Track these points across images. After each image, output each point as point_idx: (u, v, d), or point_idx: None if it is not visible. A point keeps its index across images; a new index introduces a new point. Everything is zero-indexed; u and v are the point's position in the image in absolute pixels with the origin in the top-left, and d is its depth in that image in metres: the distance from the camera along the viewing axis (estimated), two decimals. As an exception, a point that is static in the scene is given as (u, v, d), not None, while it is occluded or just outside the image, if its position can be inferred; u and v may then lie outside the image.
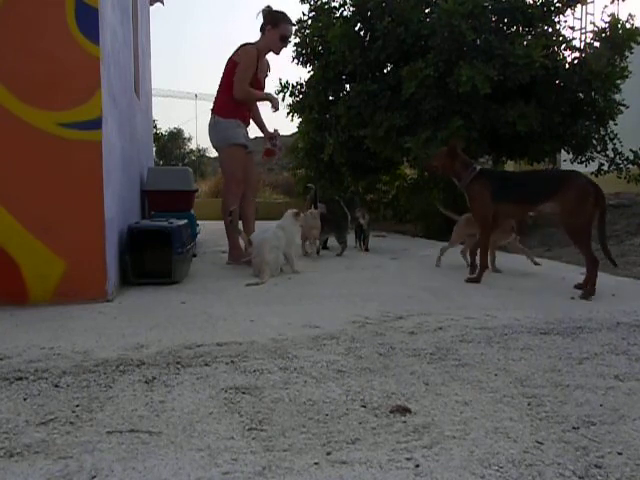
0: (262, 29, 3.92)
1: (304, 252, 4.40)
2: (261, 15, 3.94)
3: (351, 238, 4.79)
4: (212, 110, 3.97)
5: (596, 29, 5.95)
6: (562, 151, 6.55)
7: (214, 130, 3.95)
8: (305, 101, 7.31)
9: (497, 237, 3.46)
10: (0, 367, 1.61)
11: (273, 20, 3.86)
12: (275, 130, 4.14)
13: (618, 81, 5.86)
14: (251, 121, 4.17)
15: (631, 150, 6.37)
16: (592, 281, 2.76)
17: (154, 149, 12.85)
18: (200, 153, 27.09)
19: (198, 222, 5.18)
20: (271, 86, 20.81)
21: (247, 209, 4.11)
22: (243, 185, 3.97)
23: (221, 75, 3.95)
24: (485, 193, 3.10)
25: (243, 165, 3.94)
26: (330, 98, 7.18)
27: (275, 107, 3.92)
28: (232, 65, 3.84)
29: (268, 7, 3.93)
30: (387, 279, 3.33)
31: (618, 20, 5.86)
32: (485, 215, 3.15)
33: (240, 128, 3.92)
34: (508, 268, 3.73)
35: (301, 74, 28.79)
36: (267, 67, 4.08)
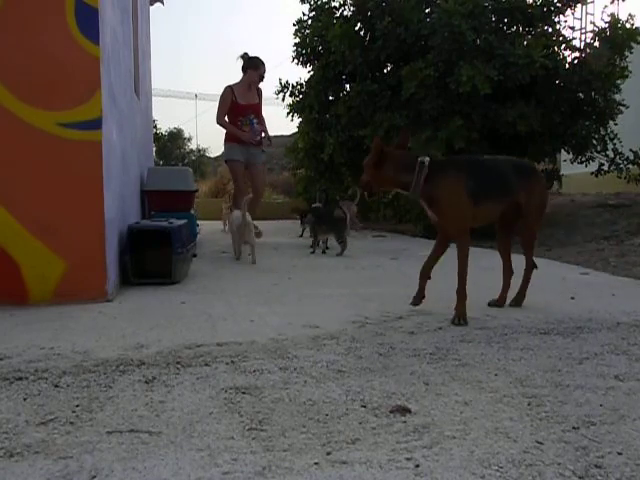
0: (244, 69, 5.34)
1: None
2: (241, 59, 5.40)
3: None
4: None
5: (596, 29, 5.96)
6: (562, 151, 6.55)
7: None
8: (305, 101, 7.32)
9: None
10: (0, 367, 1.61)
11: (253, 64, 5.35)
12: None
13: (618, 81, 5.87)
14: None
15: (631, 150, 6.37)
16: (524, 286, 2.51)
17: (154, 149, 12.86)
18: (200, 153, 27.09)
19: (198, 222, 5.26)
20: (271, 86, 20.97)
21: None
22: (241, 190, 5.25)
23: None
24: (460, 194, 2.21)
25: (240, 173, 5.37)
26: (330, 98, 7.19)
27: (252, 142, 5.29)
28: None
29: (246, 54, 5.38)
30: (387, 279, 3.33)
31: (618, 20, 5.87)
32: (464, 224, 2.27)
33: (234, 149, 5.29)
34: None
35: (301, 74, 28.78)
36: (257, 95, 5.48)
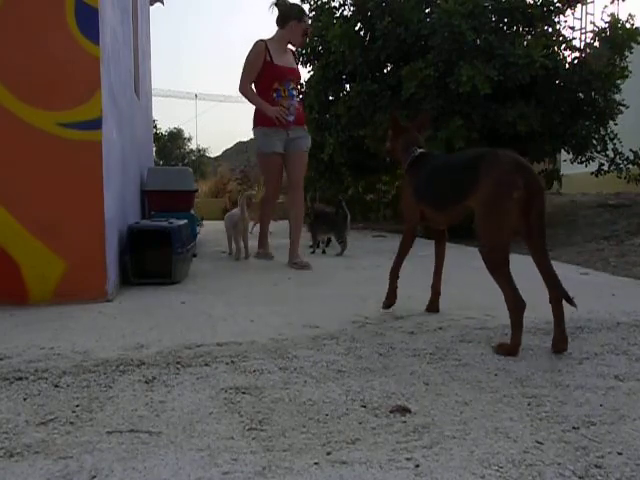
0: (283, 22, 3.88)
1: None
2: (276, 9, 3.94)
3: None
4: None
5: (596, 29, 5.96)
6: (562, 151, 6.56)
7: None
8: (305, 101, 7.31)
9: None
10: (0, 367, 1.61)
11: (298, 15, 3.87)
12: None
13: (618, 81, 5.87)
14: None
15: (631, 150, 6.37)
16: (515, 333, 1.77)
17: (154, 149, 12.86)
18: (200, 153, 27.13)
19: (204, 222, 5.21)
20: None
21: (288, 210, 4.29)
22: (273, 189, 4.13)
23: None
24: (408, 189, 2.29)
25: (276, 170, 3.98)
26: (330, 98, 7.19)
27: (279, 121, 3.79)
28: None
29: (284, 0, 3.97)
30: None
31: (618, 20, 5.87)
32: (408, 218, 2.32)
33: (269, 136, 3.85)
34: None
35: (301, 74, 28.77)
36: (294, 60, 4.09)
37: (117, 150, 3.10)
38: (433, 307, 2.38)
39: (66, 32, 2.51)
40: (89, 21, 2.53)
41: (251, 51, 3.84)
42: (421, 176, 2.21)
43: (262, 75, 3.83)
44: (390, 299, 2.37)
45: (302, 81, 7.30)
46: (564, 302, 1.80)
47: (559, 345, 1.78)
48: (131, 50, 4.14)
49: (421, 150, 2.31)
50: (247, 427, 1.21)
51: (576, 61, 5.82)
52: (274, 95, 3.81)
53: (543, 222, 1.78)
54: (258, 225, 6.83)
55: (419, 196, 2.20)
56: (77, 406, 1.33)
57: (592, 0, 6.93)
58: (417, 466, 1.03)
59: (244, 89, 3.85)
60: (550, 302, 1.82)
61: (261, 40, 3.86)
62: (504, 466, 1.03)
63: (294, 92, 3.92)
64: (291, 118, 3.80)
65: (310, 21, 6.93)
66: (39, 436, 1.16)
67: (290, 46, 4.04)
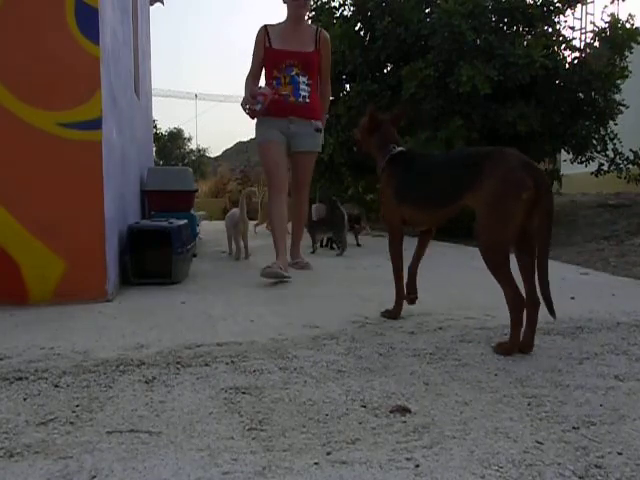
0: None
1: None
2: None
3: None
4: None
5: (596, 29, 5.97)
6: (562, 151, 6.56)
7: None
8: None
9: None
10: (0, 367, 1.61)
11: None
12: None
13: (618, 81, 5.89)
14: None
15: (631, 150, 6.38)
16: (515, 332, 1.77)
17: (154, 149, 12.87)
18: (200, 153, 27.16)
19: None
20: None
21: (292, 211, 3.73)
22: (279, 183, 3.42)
23: None
24: (388, 190, 2.17)
25: (275, 159, 3.43)
26: (330, 98, 7.19)
27: (250, 113, 3.41)
28: None
29: None
30: (387, 279, 3.32)
31: (618, 20, 5.88)
32: (389, 221, 2.22)
33: (266, 125, 3.45)
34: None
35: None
36: (313, 40, 3.53)
37: (117, 150, 3.10)
38: (411, 287, 2.29)
39: (66, 32, 2.51)
40: (89, 21, 2.53)
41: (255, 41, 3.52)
42: (404, 176, 2.10)
43: (265, 63, 3.48)
44: (396, 311, 2.25)
45: None
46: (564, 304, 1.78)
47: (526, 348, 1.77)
48: (131, 50, 4.14)
49: (400, 148, 2.21)
50: (247, 427, 1.21)
51: (576, 61, 5.83)
52: (274, 84, 3.42)
53: (551, 223, 1.70)
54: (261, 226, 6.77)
55: (400, 197, 2.10)
56: (77, 406, 1.33)
57: (592, 0, 6.93)
58: (417, 466, 1.03)
59: (247, 79, 3.50)
60: (525, 304, 1.77)
61: (263, 25, 3.51)
62: (504, 466, 1.03)
63: (299, 78, 3.42)
64: (258, 107, 3.27)
65: (310, 21, 6.97)
66: (39, 436, 1.16)
67: (313, 26, 3.68)
